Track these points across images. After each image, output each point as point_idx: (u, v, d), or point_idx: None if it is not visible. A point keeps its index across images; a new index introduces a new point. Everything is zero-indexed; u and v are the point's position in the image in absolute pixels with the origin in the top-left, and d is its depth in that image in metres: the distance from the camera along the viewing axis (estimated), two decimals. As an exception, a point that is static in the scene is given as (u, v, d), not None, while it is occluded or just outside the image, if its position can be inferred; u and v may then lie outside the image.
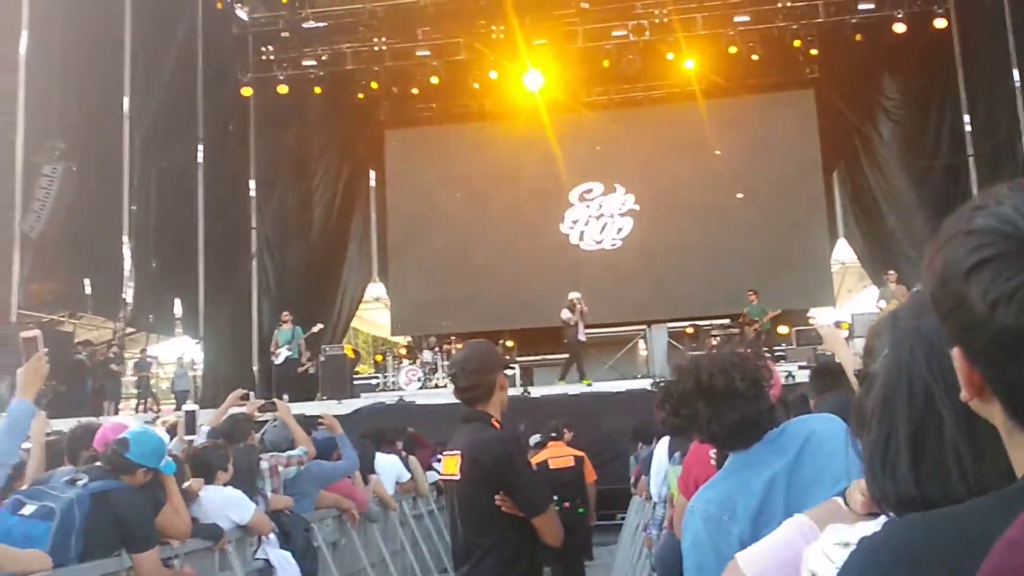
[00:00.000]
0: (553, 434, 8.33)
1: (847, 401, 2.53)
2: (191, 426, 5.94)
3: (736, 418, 2.00)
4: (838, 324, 15.67)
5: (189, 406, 6.14)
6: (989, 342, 0.83)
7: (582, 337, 15.16)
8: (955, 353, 0.88)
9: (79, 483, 3.75)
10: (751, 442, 2.03)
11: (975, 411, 0.90)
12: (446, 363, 15.40)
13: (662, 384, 2.17)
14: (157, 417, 12.55)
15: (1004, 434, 0.88)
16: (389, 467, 7.68)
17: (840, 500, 1.41)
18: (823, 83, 19.26)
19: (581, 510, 7.94)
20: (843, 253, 20.76)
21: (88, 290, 15.30)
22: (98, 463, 4.06)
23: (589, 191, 20.29)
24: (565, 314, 15.05)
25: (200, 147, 18.32)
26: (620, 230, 20.12)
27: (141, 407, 15.57)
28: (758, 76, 19.35)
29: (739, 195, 19.38)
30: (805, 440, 1.98)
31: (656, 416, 2.14)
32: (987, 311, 0.82)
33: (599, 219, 20.25)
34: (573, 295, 15.23)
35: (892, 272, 15.85)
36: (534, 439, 8.08)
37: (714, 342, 16.44)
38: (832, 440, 1.93)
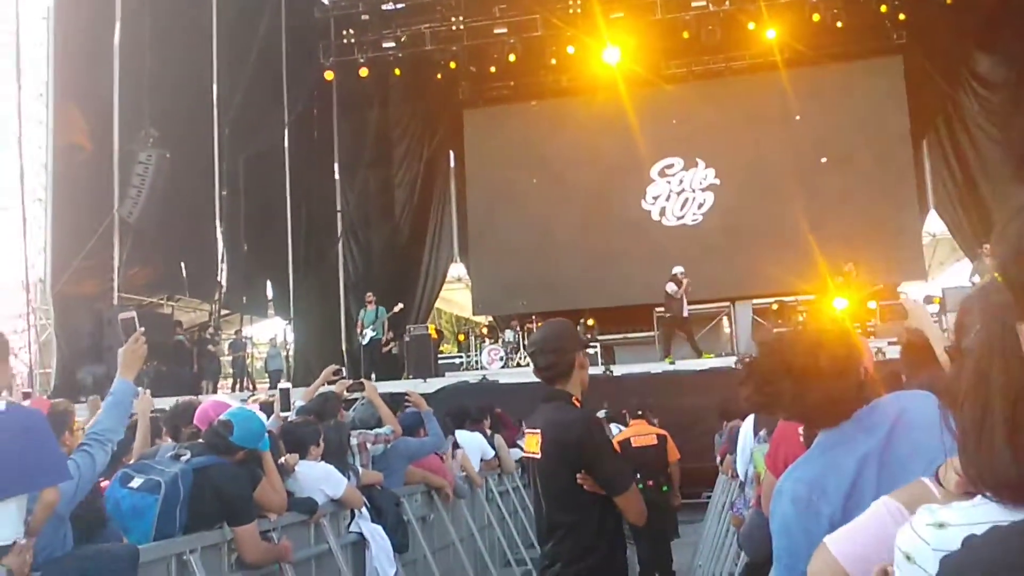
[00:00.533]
0: (639, 412, 8.34)
1: (940, 379, 2.47)
2: (286, 403, 6.11)
3: (820, 397, 1.95)
4: (929, 298, 15.19)
5: (283, 384, 6.33)
6: None
7: (686, 313, 15.32)
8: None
9: (183, 458, 3.89)
10: (838, 420, 1.97)
11: None
12: (527, 343, 15.45)
13: (746, 361, 2.14)
14: (252, 395, 12.96)
15: None
16: (474, 445, 7.77)
17: (927, 481, 1.38)
18: (912, 49, 18.64)
19: (665, 488, 7.92)
20: (934, 225, 20.12)
21: (184, 274, 15.83)
22: (200, 440, 4.20)
23: (670, 166, 20.13)
24: (671, 287, 15.17)
25: (286, 132, 18.75)
26: (701, 205, 19.97)
27: (238, 386, 16.08)
28: (843, 44, 18.83)
29: (823, 159, 18.99)
30: (897, 417, 1.92)
31: (740, 394, 2.11)
32: None
33: (680, 195, 20.10)
34: (677, 269, 15.36)
35: (988, 245, 15.22)
36: (600, 414, 8.08)
37: (800, 318, 16.08)
38: (925, 417, 1.81)
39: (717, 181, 19.68)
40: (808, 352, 1.99)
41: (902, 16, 17.82)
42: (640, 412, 8.36)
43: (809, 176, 18.93)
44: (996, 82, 18.06)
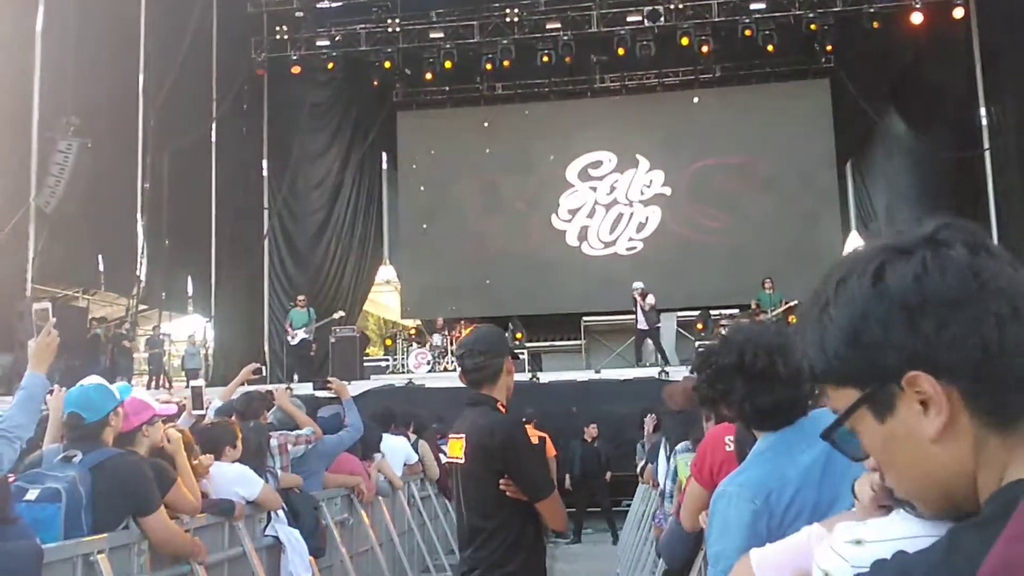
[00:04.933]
0: (524, 419, 8.52)
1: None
2: (198, 401, 5.95)
3: (771, 401, 1.98)
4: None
5: (196, 382, 6.16)
6: (937, 325, 0.81)
7: (640, 324, 15.80)
8: (924, 385, 0.84)
9: (75, 459, 3.67)
10: (780, 426, 2.01)
11: (932, 483, 0.88)
12: (455, 348, 15.48)
13: (702, 350, 2.16)
14: (169, 394, 12.65)
15: (975, 460, 0.84)
16: (397, 448, 7.72)
17: (856, 510, 1.37)
18: (838, 73, 19.10)
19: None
20: (855, 245, 20.66)
21: (101, 267, 15.37)
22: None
23: (595, 164, 19.96)
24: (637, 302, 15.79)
25: (214, 126, 18.37)
26: (643, 225, 19.81)
27: (153, 383, 15.67)
28: (774, 64, 19.34)
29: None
30: None
31: (693, 384, 2.10)
32: (915, 291, 0.82)
33: (610, 209, 19.95)
34: (636, 285, 15.83)
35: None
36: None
37: (723, 332, 16.37)
38: None
39: (667, 191, 19.70)
40: (767, 356, 2.00)
41: (830, 41, 18.29)
42: (524, 419, 8.53)
43: (738, 193, 19.29)
44: (916, 107, 18.62)
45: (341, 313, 16.59)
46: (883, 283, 0.86)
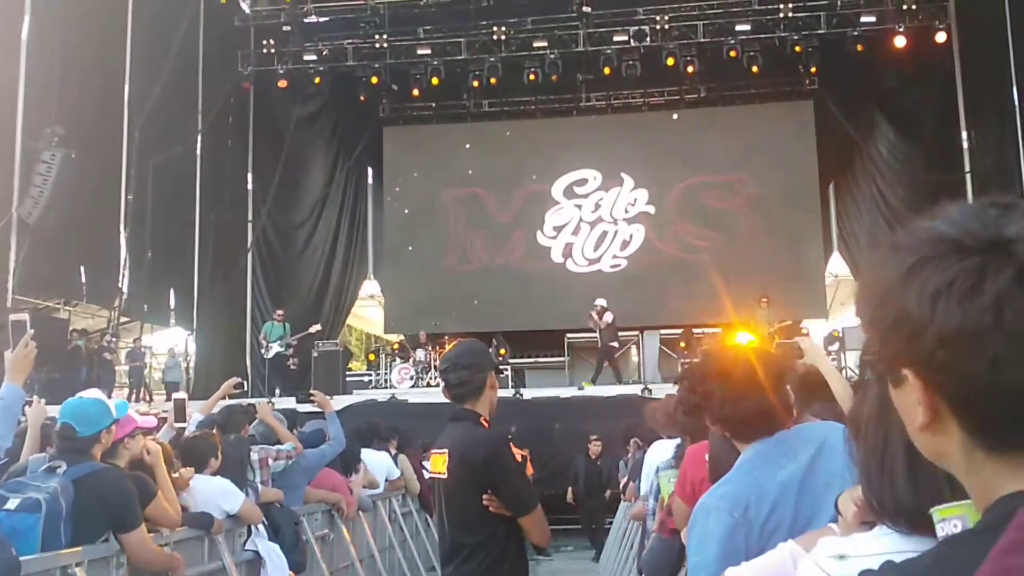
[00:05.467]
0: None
1: (832, 411, 2.55)
2: (180, 414, 5.93)
3: (751, 406, 2.00)
4: (831, 336, 15.76)
5: (178, 394, 6.14)
6: (937, 344, 0.79)
7: (601, 343, 15.84)
8: (909, 380, 0.83)
9: (59, 471, 3.67)
10: (761, 435, 2.03)
11: (925, 454, 0.87)
12: (438, 363, 15.44)
13: (684, 364, 2.20)
14: (149, 407, 12.56)
15: (962, 464, 0.83)
16: (379, 464, 7.70)
17: (833, 526, 1.39)
18: (822, 94, 19.27)
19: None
20: (837, 265, 20.85)
21: (83, 278, 15.26)
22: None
23: (581, 182, 20.11)
24: (592, 319, 15.80)
25: (199, 139, 18.31)
26: (626, 243, 19.91)
27: (133, 396, 15.55)
28: (759, 85, 19.51)
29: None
30: (820, 445, 1.96)
31: (678, 391, 2.12)
32: (928, 306, 0.79)
33: (594, 226, 20.09)
34: (598, 302, 15.85)
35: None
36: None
37: (706, 346, 16.40)
38: (844, 449, 1.92)
39: (651, 209, 19.85)
40: (746, 362, 2.04)
41: (814, 62, 18.42)
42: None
43: (722, 212, 19.42)
44: (898, 130, 18.79)
45: (317, 327, 16.49)
46: (918, 276, 0.82)
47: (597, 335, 15.80)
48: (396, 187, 20.84)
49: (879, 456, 1.07)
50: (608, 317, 15.63)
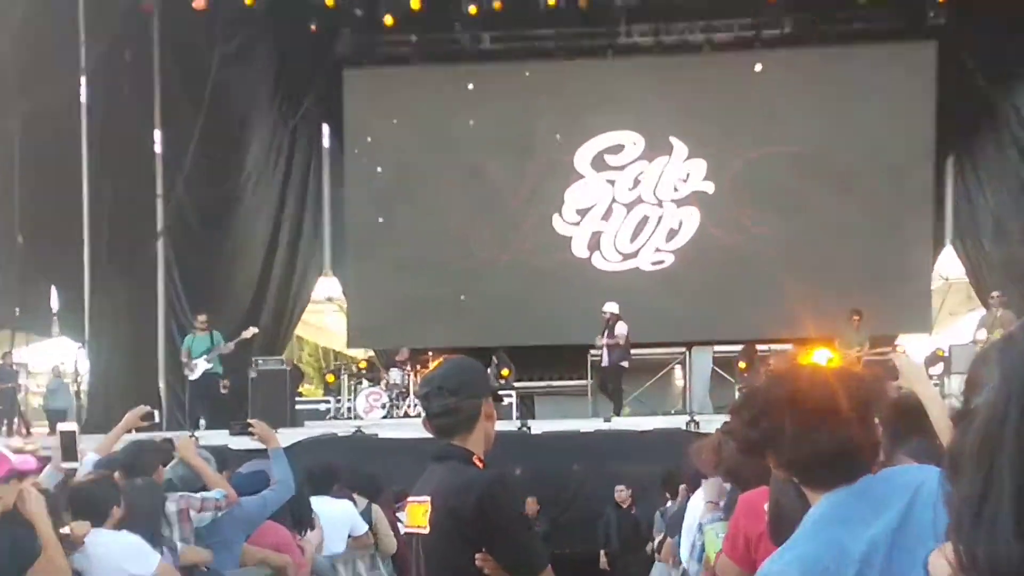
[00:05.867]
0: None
1: (932, 448, 2.58)
2: (69, 452, 5.92)
3: (830, 444, 2.02)
4: (934, 355, 15.77)
5: (66, 426, 6.12)
6: None
7: (605, 361, 16.18)
8: None
9: None
10: (841, 481, 2.06)
11: None
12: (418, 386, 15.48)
13: (743, 389, 2.21)
14: (25, 442, 12.56)
15: None
16: (340, 516, 7.72)
17: None
18: (951, 35, 18.86)
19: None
20: (948, 265, 20.80)
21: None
22: None
23: (616, 149, 20.10)
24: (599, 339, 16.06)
25: (83, 82, 17.83)
26: (674, 232, 19.99)
27: (4, 429, 15.59)
28: (864, 18, 19.26)
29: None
30: (913, 495, 2.00)
31: (729, 426, 2.16)
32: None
33: (631, 209, 20.15)
34: (609, 307, 16.11)
35: (998, 294, 16.03)
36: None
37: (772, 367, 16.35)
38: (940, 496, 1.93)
39: (708, 187, 19.87)
40: (824, 387, 2.05)
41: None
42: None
43: (799, 193, 19.43)
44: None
45: (253, 330, 16.50)
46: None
47: (603, 352, 16.04)
48: (363, 151, 20.80)
49: (978, 502, 1.09)
50: (621, 329, 15.85)
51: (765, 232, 19.45)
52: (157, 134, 19.58)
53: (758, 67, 19.98)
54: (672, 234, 20.04)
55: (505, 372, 17.35)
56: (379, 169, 20.65)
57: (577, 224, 20.18)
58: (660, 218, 20.08)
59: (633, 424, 14.51)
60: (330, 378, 20.22)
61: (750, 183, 19.61)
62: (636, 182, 20.10)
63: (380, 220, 20.53)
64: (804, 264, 18.77)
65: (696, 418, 14.15)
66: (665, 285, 19.17)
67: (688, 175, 19.99)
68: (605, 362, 16.09)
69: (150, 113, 19.33)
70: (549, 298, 19.42)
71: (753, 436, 2.11)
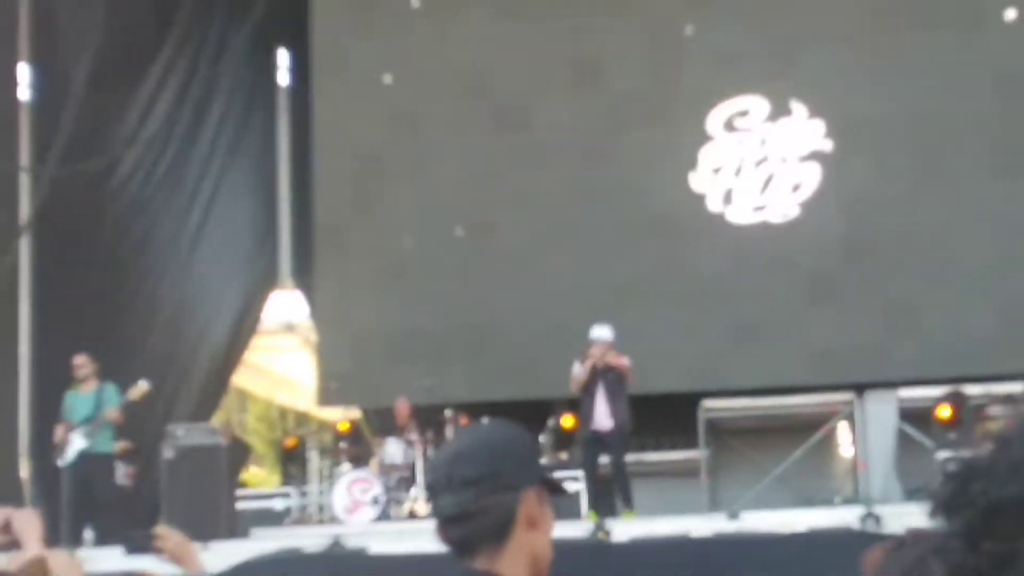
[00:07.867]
0: None
1: None
2: None
3: None
4: None
5: None
6: None
7: (595, 424, 16.60)
8: None
9: None
10: None
11: None
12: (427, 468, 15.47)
13: (952, 467, 1.87)
14: None
15: None
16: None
17: None
18: None
19: None
20: None
21: None
22: None
23: (743, 114, 21.11)
24: (575, 368, 16.65)
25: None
26: (798, 187, 21.09)
27: None
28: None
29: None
30: None
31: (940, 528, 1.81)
32: None
33: (760, 166, 21.03)
34: (598, 333, 16.65)
35: None
36: None
37: (995, 428, 16.37)
38: None
39: (830, 144, 20.67)
40: None
41: None
42: None
43: (996, 151, 20.49)
44: None
45: (145, 385, 16.46)
46: None
47: (592, 409, 16.41)
48: (336, 101, 21.50)
49: None
50: (624, 362, 16.39)
51: (941, 219, 20.75)
52: (23, 70, 19.74)
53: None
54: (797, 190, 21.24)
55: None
56: (362, 148, 21.43)
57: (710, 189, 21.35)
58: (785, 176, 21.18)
59: (771, 521, 14.54)
60: (290, 442, 20.25)
61: (913, 142, 21.01)
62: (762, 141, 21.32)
63: (362, 206, 21.13)
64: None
65: (875, 511, 13.93)
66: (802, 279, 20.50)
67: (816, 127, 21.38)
68: (602, 426, 16.28)
69: (11, 44, 20.09)
70: (632, 311, 19.58)
71: (975, 563, 1.81)
